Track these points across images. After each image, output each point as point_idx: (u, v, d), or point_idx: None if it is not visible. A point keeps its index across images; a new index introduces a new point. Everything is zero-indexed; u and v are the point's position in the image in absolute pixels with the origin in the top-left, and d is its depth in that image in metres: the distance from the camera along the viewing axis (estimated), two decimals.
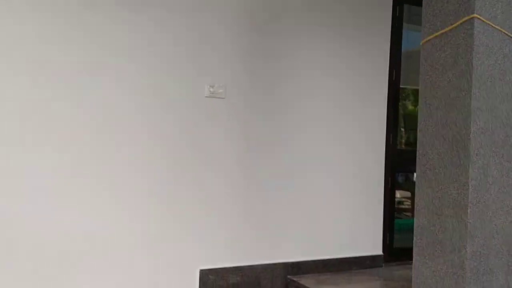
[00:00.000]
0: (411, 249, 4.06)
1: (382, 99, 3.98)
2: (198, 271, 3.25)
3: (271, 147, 3.54)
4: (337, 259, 3.79)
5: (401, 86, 4.16)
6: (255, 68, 3.47)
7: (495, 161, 2.03)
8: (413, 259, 2.20)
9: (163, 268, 3.15)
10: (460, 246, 1.97)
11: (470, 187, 1.95)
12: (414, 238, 2.20)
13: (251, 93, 3.46)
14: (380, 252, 3.98)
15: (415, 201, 2.19)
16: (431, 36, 2.14)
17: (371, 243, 3.97)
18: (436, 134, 2.11)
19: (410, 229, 4.25)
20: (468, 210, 1.95)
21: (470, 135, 1.96)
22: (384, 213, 4.01)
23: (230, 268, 3.36)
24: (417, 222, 2.18)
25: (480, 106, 1.99)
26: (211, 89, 3.29)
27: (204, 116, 3.29)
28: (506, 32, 2.03)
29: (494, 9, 2.01)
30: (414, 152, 4.45)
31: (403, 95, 4.38)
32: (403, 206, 5.67)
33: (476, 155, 1.98)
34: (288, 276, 3.54)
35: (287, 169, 3.60)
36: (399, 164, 4.11)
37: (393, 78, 4.03)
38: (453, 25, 2.04)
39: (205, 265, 3.28)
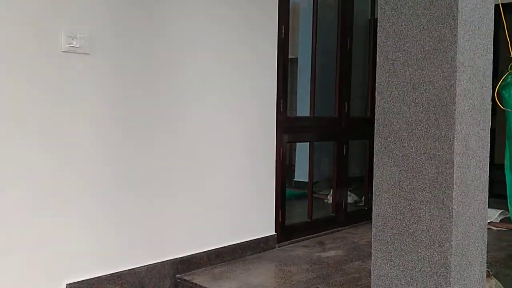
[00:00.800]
0: (301, 226, 3.76)
1: (273, 58, 3.48)
2: (65, 286, 2.42)
3: (146, 122, 2.79)
4: (230, 246, 3.24)
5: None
6: (127, 16, 2.65)
7: (473, 130, 1.65)
8: (372, 255, 1.74)
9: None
10: (441, 239, 1.57)
11: (455, 165, 1.54)
12: (373, 229, 1.74)
13: (119, 49, 2.64)
14: (273, 232, 3.55)
15: (374, 183, 1.72)
16: None
17: (264, 224, 3.51)
18: (403, 98, 1.65)
19: (299, 203, 3.85)
20: (453, 194, 1.54)
21: (455, 98, 1.54)
22: (276, 189, 3.56)
23: (105, 276, 2.58)
24: (376, 210, 1.72)
25: (464, 61, 1.57)
26: (72, 41, 2.40)
27: (57, 84, 2.39)
28: None
29: None
30: (308, 120, 4.01)
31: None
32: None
33: (460, 123, 1.57)
34: (178, 276, 2.89)
35: (167, 148, 2.90)
36: (292, 133, 3.69)
37: (282, 35, 3.53)
38: None
39: (72, 277, 2.46)
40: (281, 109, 3.53)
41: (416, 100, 1.63)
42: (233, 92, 3.23)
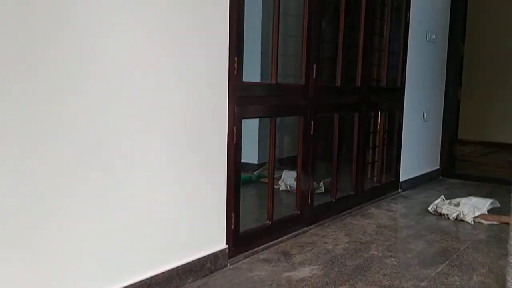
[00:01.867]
0: (259, 231, 2.78)
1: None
2: None
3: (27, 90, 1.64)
4: (162, 274, 2.19)
5: None
6: None
7: None
8: None
9: None
10: None
11: None
12: None
13: None
14: (223, 245, 2.55)
15: None
16: None
17: (210, 235, 2.49)
18: None
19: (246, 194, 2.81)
20: None
21: None
22: (227, 185, 2.54)
23: None
24: None
25: None
26: None
27: None
28: None
29: None
30: (270, 88, 3.02)
31: None
32: None
33: None
34: None
35: (48, 131, 1.78)
36: (249, 105, 2.65)
37: None
38: None
39: None
40: (235, 72, 2.48)
41: None
42: (162, 37, 2.13)
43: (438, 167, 5.28)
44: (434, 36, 4.77)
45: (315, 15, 3.04)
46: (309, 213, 3.20)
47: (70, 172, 1.80)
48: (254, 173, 4.72)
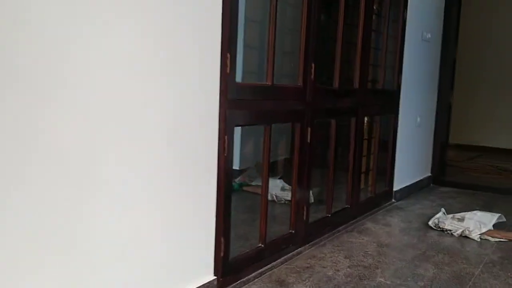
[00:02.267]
0: (251, 256, 2.37)
1: None
2: None
3: None
4: None
5: None
6: None
7: None
8: None
9: None
10: None
11: None
12: None
13: None
14: (211, 276, 2.15)
15: None
16: None
17: (196, 264, 2.09)
18: None
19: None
20: None
21: None
22: (217, 204, 2.14)
23: None
24: None
25: None
26: None
27: None
28: None
29: None
30: (266, 91, 2.63)
31: None
32: None
33: None
34: None
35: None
36: (244, 110, 2.25)
37: None
38: None
39: None
40: (228, 71, 2.08)
41: None
42: (143, 29, 1.71)
43: (429, 174, 5.00)
44: (429, 35, 4.48)
45: (314, 7, 2.67)
46: (304, 232, 2.84)
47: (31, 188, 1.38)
48: (236, 180, 4.32)
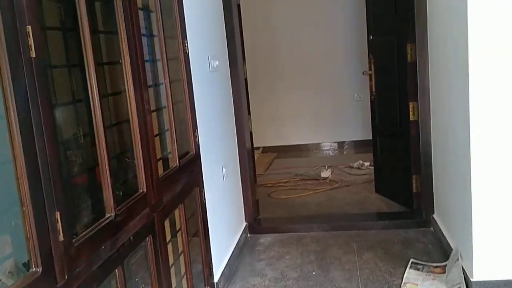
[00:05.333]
0: None
1: None
2: None
3: None
4: None
5: None
6: None
7: None
8: None
9: None
10: None
11: None
12: None
13: None
14: None
15: None
16: None
17: None
18: None
19: None
20: None
21: None
22: None
23: None
24: None
25: None
26: None
27: None
28: None
29: None
30: None
31: None
32: None
33: None
34: None
35: None
36: None
37: None
38: None
39: None
40: None
41: None
42: None
43: (245, 223, 4.12)
44: (217, 63, 3.47)
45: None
46: None
47: None
48: None
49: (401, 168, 4.24)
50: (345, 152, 7.18)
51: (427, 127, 3.87)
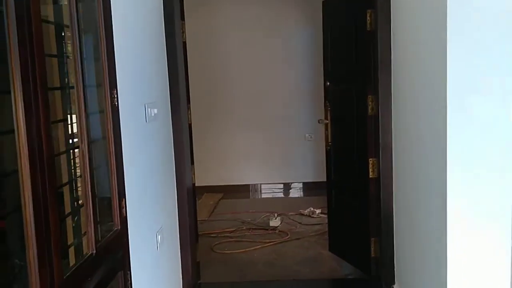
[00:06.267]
0: None
1: None
2: None
3: None
4: None
5: None
6: None
7: None
8: None
9: None
10: None
11: None
12: None
13: None
14: None
15: None
16: None
17: None
18: None
19: None
20: None
21: None
22: None
23: None
24: None
25: None
26: None
27: None
28: None
29: None
30: None
31: None
32: None
33: None
34: None
35: None
36: None
37: None
38: None
39: None
40: None
41: None
42: None
43: None
44: (156, 111, 2.96)
45: None
46: None
47: None
48: None
49: (359, 228, 3.85)
50: (295, 194, 6.80)
51: (388, 187, 3.50)
